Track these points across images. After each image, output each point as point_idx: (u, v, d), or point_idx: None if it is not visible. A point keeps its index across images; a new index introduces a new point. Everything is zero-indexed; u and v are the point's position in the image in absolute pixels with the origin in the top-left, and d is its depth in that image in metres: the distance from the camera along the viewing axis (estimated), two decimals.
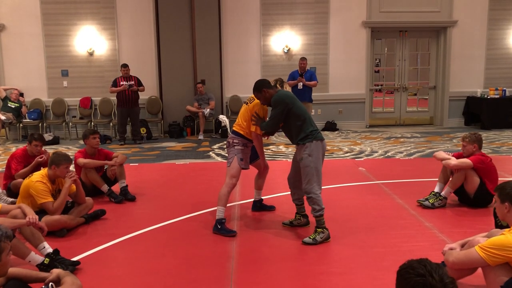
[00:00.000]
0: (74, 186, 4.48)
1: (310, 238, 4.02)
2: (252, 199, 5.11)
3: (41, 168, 5.40)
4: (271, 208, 5.01)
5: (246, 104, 4.53)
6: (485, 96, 10.83)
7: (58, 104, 10.42)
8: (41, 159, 5.34)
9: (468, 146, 4.88)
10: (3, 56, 10.26)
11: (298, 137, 4.05)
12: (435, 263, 1.76)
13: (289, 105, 4.02)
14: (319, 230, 4.03)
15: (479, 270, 2.89)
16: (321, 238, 4.00)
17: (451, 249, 3.04)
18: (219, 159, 7.80)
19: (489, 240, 2.79)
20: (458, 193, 5.02)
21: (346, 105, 11.07)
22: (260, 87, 4.18)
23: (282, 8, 10.59)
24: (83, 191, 4.64)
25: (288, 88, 4.61)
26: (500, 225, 3.47)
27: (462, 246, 3.05)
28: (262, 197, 5.04)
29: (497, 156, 7.39)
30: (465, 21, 10.94)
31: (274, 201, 5.34)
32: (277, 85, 4.48)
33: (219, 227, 4.33)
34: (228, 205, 5.11)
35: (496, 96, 10.76)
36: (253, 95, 4.41)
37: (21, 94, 10.22)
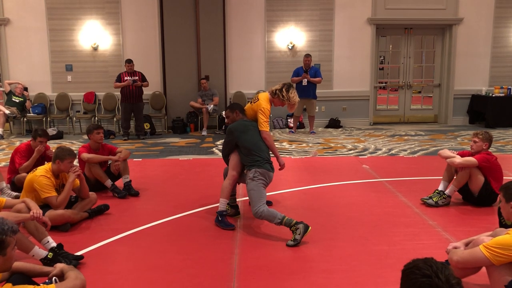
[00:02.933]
0: (77, 181, 4.49)
1: (291, 240, 4.00)
2: None
3: (45, 162, 5.43)
4: (268, 203, 5.00)
5: (250, 103, 4.73)
6: (490, 94, 10.78)
7: (62, 99, 10.44)
8: (47, 152, 5.38)
9: (479, 143, 4.84)
10: (7, 50, 10.27)
11: (244, 163, 4.39)
12: (441, 263, 1.74)
13: (235, 138, 4.42)
14: (292, 229, 4.01)
15: (483, 269, 2.88)
16: (299, 235, 3.98)
17: (455, 248, 3.03)
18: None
19: (494, 240, 2.78)
20: (463, 192, 4.99)
21: (350, 102, 11.04)
22: (234, 108, 4.67)
23: (287, 4, 10.56)
24: (87, 186, 4.65)
25: (294, 94, 4.69)
26: (504, 224, 3.45)
27: (466, 245, 3.03)
28: None
29: (502, 155, 7.35)
30: (470, 18, 10.88)
31: (277, 197, 5.34)
32: (283, 89, 4.64)
33: (220, 219, 4.39)
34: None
35: (501, 95, 10.71)
36: (257, 95, 4.60)
37: (25, 89, 10.23)
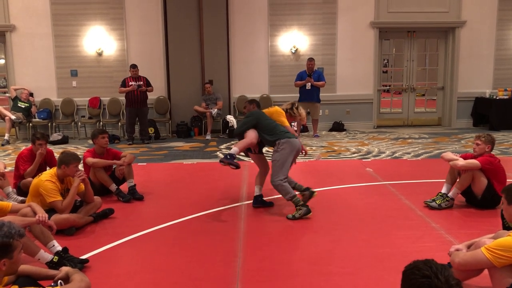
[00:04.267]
0: (82, 185, 4.53)
1: (292, 215, 4.68)
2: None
3: (47, 167, 5.49)
4: (270, 204, 5.16)
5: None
6: (494, 97, 10.77)
7: (67, 104, 10.51)
8: (42, 152, 5.40)
9: (482, 145, 4.85)
10: (13, 56, 10.37)
11: (268, 143, 5.01)
12: (441, 264, 1.76)
13: (255, 119, 5.00)
14: (297, 208, 4.69)
15: (485, 271, 2.89)
16: (299, 214, 4.65)
17: (457, 250, 3.04)
18: None
19: (496, 241, 2.79)
20: (466, 194, 5.00)
21: (353, 105, 11.05)
22: (253, 101, 5.42)
23: (290, 8, 10.60)
24: (92, 190, 4.69)
25: (302, 110, 5.44)
26: (507, 227, 3.46)
27: (469, 247, 3.04)
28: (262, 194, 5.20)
29: (506, 158, 7.34)
30: (473, 21, 10.89)
31: (281, 200, 5.36)
32: (294, 108, 5.35)
33: (229, 157, 4.63)
34: (234, 204, 5.18)
35: (505, 97, 10.69)
36: (271, 108, 5.35)
37: (31, 94, 10.32)
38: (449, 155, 5.06)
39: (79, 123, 10.47)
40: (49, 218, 3.68)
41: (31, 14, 10.25)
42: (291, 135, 4.88)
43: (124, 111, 10.08)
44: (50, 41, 10.33)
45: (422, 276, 1.72)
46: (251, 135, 4.84)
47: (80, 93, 10.53)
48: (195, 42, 10.41)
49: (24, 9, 10.24)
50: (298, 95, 9.98)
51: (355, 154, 8.04)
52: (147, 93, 9.62)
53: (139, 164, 7.32)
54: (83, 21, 10.34)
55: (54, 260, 3.50)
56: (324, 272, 3.53)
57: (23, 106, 10.00)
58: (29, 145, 5.75)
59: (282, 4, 10.57)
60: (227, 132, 10.20)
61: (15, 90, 10.16)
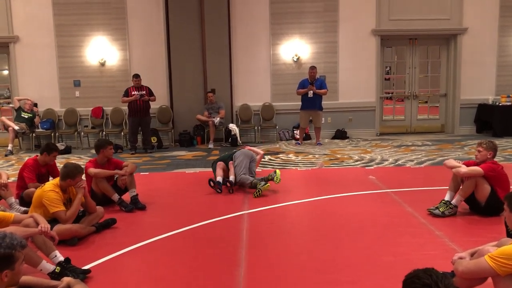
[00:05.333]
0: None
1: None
2: (260, 208, 5.26)
3: (50, 177, 5.51)
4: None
5: None
6: (497, 103, 10.75)
7: (70, 114, 10.56)
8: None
9: (483, 152, 4.84)
10: (17, 67, 10.44)
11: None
12: (441, 273, 1.76)
13: None
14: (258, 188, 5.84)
15: (490, 279, 2.87)
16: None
17: (460, 258, 3.02)
18: None
19: (499, 250, 2.77)
20: (469, 202, 4.97)
21: (356, 113, 11.05)
22: None
23: (292, 17, 10.65)
24: (92, 201, 4.69)
25: None
26: (511, 234, 3.44)
27: (472, 255, 3.02)
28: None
29: (509, 164, 7.32)
30: (475, 28, 10.90)
31: (283, 209, 5.36)
32: None
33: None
34: (237, 213, 5.18)
35: (508, 104, 10.67)
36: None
37: (35, 104, 10.37)
38: (451, 162, 5.05)
39: (82, 133, 10.51)
40: (51, 229, 3.68)
41: (34, 25, 10.33)
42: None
43: (127, 120, 10.12)
44: (53, 52, 10.40)
45: (423, 285, 1.71)
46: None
47: (83, 103, 10.58)
48: (197, 52, 10.46)
49: (27, 20, 10.33)
50: (300, 103, 10.00)
51: (358, 162, 8.03)
52: (150, 102, 9.65)
53: (141, 173, 7.33)
54: (86, 31, 10.41)
55: (56, 270, 3.49)
56: (327, 280, 3.51)
57: (26, 117, 10.05)
58: (33, 155, 5.77)
59: (283, 13, 10.62)
60: (229, 140, 10.21)
61: (19, 100, 10.22)
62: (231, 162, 6.33)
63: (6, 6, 10.24)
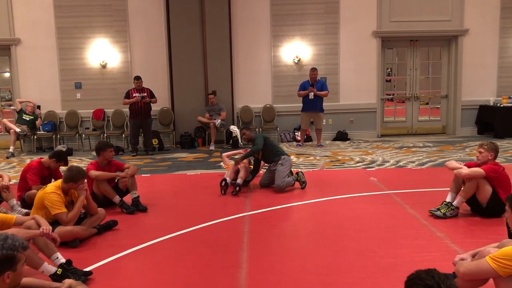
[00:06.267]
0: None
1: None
2: (262, 210, 5.23)
3: (52, 179, 5.51)
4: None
5: None
6: (498, 104, 10.75)
7: (72, 116, 10.57)
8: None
9: (485, 153, 4.83)
10: (18, 69, 10.46)
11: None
12: (443, 274, 1.75)
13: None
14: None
15: (491, 280, 2.86)
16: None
17: (462, 259, 3.02)
18: None
19: (500, 251, 2.76)
20: (470, 203, 4.96)
21: (357, 114, 11.05)
22: (250, 128, 7.00)
23: (292, 19, 10.66)
24: (93, 203, 4.69)
25: None
26: None
27: (473, 256, 3.02)
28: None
29: (510, 165, 7.30)
30: (476, 29, 10.90)
31: (285, 210, 5.35)
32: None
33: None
34: (238, 215, 5.17)
35: (510, 105, 10.66)
36: None
37: (38, 107, 10.40)
38: (453, 163, 5.04)
39: (83, 135, 10.52)
40: (53, 231, 3.69)
41: (35, 27, 10.35)
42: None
43: (128, 122, 10.13)
44: (55, 54, 10.42)
45: (425, 286, 1.71)
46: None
47: (84, 105, 10.60)
48: (199, 53, 10.47)
49: (28, 23, 10.35)
50: (301, 105, 10.00)
51: (359, 164, 8.03)
52: (151, 104, 9.66)
53: (143, 175, 7.33)
54: (87, 34, 10.43)
55: (58, 272, 3.50)
56: (329, 282, 3.51)
57: (27, 119, 10.07)
58: (34, 157, 5.78)
59: (284, 15, 10.63)
60: (230, 142, 10.21)
61: (20, 103, 10.24)
62: (246, 160, 6.55)
63: (8, 9, 10.26)
